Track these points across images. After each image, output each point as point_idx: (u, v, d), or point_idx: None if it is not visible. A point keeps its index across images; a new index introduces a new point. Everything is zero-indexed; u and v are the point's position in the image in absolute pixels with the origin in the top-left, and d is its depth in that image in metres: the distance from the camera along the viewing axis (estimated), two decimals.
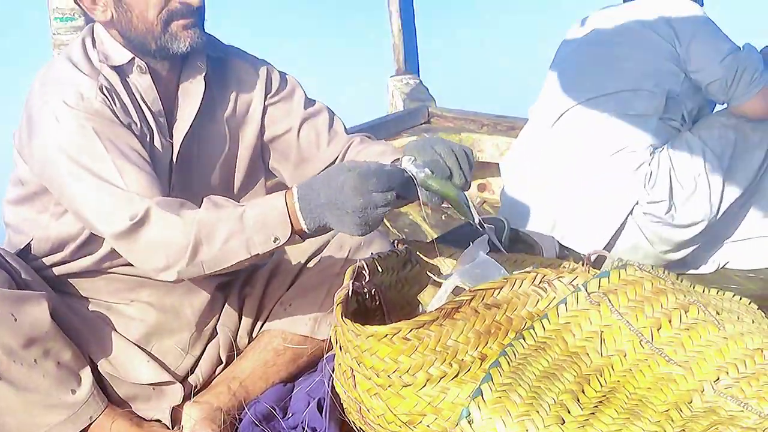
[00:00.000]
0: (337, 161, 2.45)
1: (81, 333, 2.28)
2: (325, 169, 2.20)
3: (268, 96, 2.46)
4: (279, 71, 2.51)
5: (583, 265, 2.14)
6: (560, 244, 3.20)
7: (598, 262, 2.72)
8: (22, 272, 2.21)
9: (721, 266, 3.48)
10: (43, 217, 2.30)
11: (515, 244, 3.09)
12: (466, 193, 2.07)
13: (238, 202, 2.21)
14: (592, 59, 3.44)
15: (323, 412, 2.19)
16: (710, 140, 3.27)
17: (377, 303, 2.15)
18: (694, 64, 3.24)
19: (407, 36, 5.50)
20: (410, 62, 5.55)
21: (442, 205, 2.14)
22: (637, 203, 3.24)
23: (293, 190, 2.00)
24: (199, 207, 2.06)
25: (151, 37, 2.17)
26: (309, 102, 2.50)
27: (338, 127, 2.50)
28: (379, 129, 4.72)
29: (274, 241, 2.01)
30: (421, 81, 5.45)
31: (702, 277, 3.38)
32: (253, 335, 2.49)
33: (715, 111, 3.48)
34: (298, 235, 2.02)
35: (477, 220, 2.06)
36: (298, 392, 2.30)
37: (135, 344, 2.33)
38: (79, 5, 2.21)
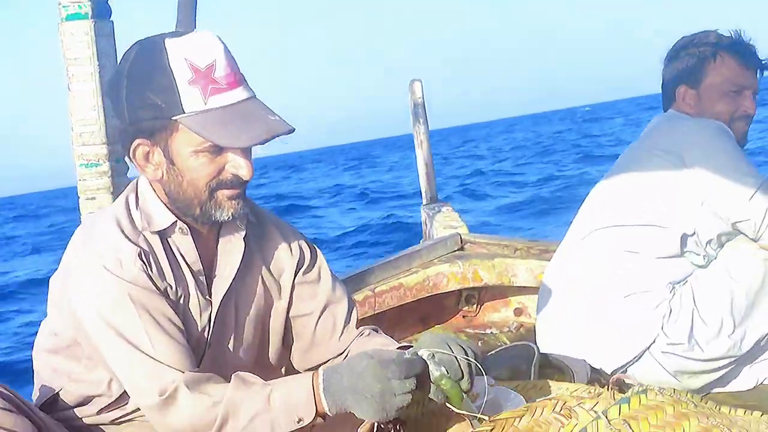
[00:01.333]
0: (346, 353, 2.50)
1: None
2: (333, 359, 2.42)
3: (299, 272, 2.50)
4: (310, 245, 2.56)
5: (608, 389, 2.14)
6: (592, 367, 3.18)
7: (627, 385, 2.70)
8: (49, 425, 2.23)
9: (760, 382, 3.40)
10: (76, 368, 2.32)
11: (545, 369, 3.08)
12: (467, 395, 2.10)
13: (274, 362, 2.37)
14: (616, 186, 3.45)
15: None
16: (738, 274, 3.23)
17: (398, 428, 2.15)
18: (718, 204, 3.22)
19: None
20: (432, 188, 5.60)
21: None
22: (654, 342, 3.22)
23: (320, 373, 2.11)
24: (229, 379, 2.14)
25: (197, 203, 2.22)
26: (333, 285, 2.54)
27: (353, 318, 2.55)
28: (413, 257, 4.75)
29: (298, 422, 2.11)
30: (453, 208, 5.51)
31: (738, 394, 3.31)
32: None
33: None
34: (320, 417, 2.12)
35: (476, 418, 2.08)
36: None
37: None
38: (130, 159, 2.25)
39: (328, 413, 2.09)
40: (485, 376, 2.16)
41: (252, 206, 2.45)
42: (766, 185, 3.18)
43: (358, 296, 4.33)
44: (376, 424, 2.08)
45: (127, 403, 2.32)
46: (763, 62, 3.49)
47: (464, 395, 2.07)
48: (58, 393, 2.34)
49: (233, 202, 2.23)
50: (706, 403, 2.05)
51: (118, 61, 2.26)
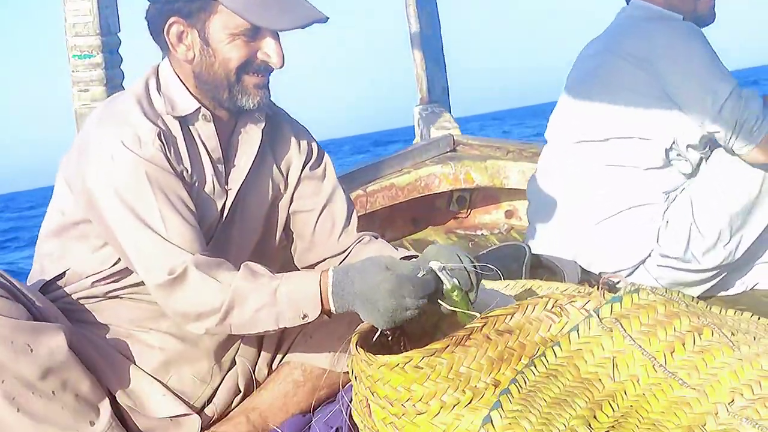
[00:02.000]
0: (347, 252, 2.51)
1: (98, 365, 2.29)
2: (331, 259, 2.46)
3: (305, 167, 2.51)
4: (318, 145, 2.56)
5: (598, 289, 2.14)
6: (582, 268, 3.19)
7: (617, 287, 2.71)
8: (38, 303, 2.24)
9: (749, 288, 3.43)
10: (81, 248, 2.32)
11: (536, 270, 3.09)
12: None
13: (273, 256, 2.40)
14: (588, 96, 3.39)
15: None
16: (734, 184, 3.21)
17: (398, 334, 2.16)
18: (691, 114, 3.19)
19: (431, 65, 5.51)
20: (434, 91, 5.55)
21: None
22: (649, 255, 3.24)
23: (329, 273, 2.12)
24: (239, 267, 2.16)
25: (226, 85, 2.23)
26: (335, 187, 2.55)
27: (353, 221, 2.56)
28: (406, 158, 4.74)
29: (303, 318, 2.13)
30: (447, 109, 5.47)
31: (729, 299, 3.34)
32: (273, 366, 2.50)
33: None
34: (326, 315, 2.14)
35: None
36: (317, 422, 2.31)
37: (152, 376, 2.34)
38: (164, 39, 2.25)
39: (333, 311, 2.11)
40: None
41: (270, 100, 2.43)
42: (735, 94, 3.12)
43: (350, 195, 4.32)
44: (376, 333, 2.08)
45: (123, 278, 2.32)
46: None
47: (473, 308, 2.07)
48: (63, 273, 2.35)
49: (259, 90, 2.25)
50: (697, 303, 2.05)
51: None
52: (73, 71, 3.25)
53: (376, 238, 2.56)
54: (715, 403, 1.78)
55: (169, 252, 2.14)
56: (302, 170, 2.49)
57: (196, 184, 2.28)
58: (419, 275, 2.05)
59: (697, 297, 3.25)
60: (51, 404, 2.14)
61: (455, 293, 2.06)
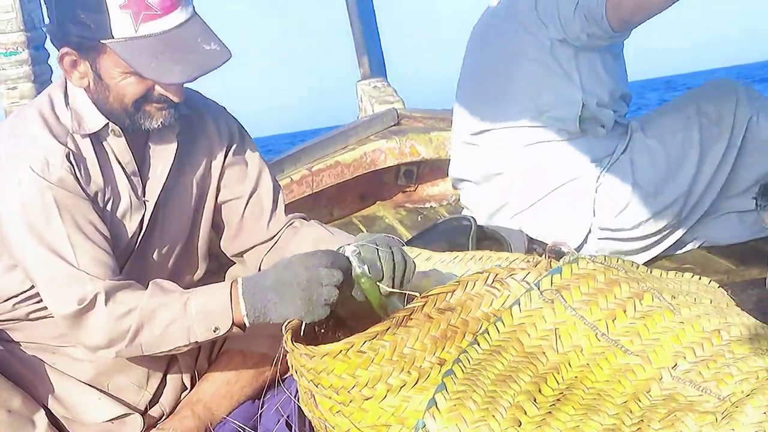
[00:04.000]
0: (276, 239, 2.47)
1: (27, 380, 2.25)
2: (261, 245, 2.44)
3: (228, 154, 2.43)
4: (240, 129, 2.48)
5: (545, 258, 2.14)
6: (530, 237, 3.18)
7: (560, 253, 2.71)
8: None
9: (699, 246, 3.44)
10: None
11: (482, 242, 3.08)
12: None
13: (201, 253, 2.39)
14: (486, 83, 3.38)
15: (292, 430, 2.18)
16: (673, 147, 3.23)
17: (332, 324, 2.13)
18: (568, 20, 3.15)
19: (370, 40, 5.47)
20: (375, 66, 5.51)
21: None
22: (589, 232, 3.24)
23: (238, 280, 2.08)
24: (156, 278, 2.13)
25: (125, 115, 2.16)
26: (260, 170, 2.48)
27: (281, 204, 2.50)
28: (349, 134, 4.70)
29: (215, 331, 2.09)
30: (389, 83, 5.43)
31: (679, 257, 3.35)
32: (212, 358, 2.48)
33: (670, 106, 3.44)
34: (238, 327, 2.09)
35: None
36: (267, 409, 2.29)
37: (85, 383, 2.30)
38: (59, 65, 2.17)
39: (246, 322, 2.06)
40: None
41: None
42: None
43: (295, 176, 4.30)
44: (304, 325, 2.02)
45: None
46: None
47: (383, 298, 2.04)
48: None
49: (163, 112, 2.17)
50: (637, 268, 2.06)
51: None
52: None
53: (305, 220, 2.52)
54: (659, 368, 1.79)
55: (78, 280, 2.09)
56: (225, 157, 2.42)
57: (111, 201, 2.22)
58: (331, 251, 2.04)
59: (647, 260, 3.30)
60: None
61: (363, 280, 2.03)
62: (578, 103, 3.19)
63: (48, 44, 3.31)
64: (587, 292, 1.89)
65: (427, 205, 4.66)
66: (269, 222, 2.46)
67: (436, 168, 4.66)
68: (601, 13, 3.08)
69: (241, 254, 2.48)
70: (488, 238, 3.11)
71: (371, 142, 4.63)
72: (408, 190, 4.76)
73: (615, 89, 3.30)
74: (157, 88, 2.12)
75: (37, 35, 3.14)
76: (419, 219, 4.44)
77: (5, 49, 3.15)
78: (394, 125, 4.88)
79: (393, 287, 2.05)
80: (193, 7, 2.13)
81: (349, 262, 2.04)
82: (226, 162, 2.43)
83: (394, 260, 2.06)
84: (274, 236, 2.46)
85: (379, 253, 2.06)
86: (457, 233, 3.11)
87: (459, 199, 4.58)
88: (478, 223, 3.16)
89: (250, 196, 2.45)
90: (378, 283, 2.04)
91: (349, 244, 2.09)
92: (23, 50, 3.17)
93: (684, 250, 3.39)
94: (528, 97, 3.23)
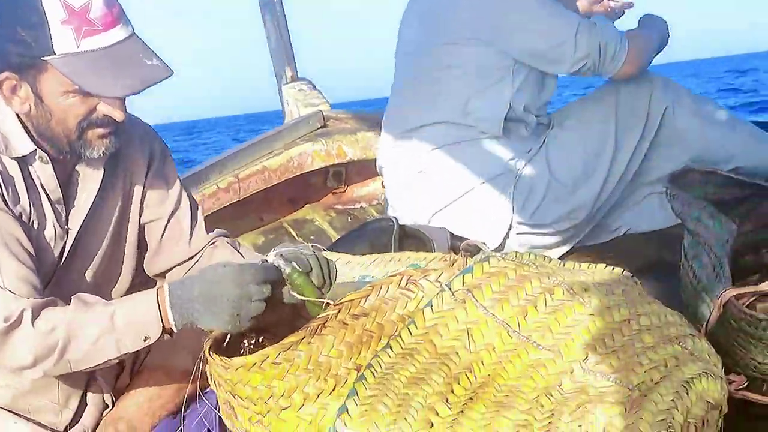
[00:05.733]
0: (197, 258, 2.47)
1: None
2: (182, 263, 2.43)
3: (149, 173, 2.43)
4: (162, 149, 2.48)
5: (462, 256, 2.15)
6: (452, 235, 3.20)
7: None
8: None
9: (618, 235, 3.49)
10: None
11: (405, 241, 3.09)
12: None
13: (124, 275, 2.37)
14: (419, 83, 3.41)
15: None
16: (590, 140, 3.28)
17: (261, 340, 2.12)
18: (549, 59, 3.25)
19: (288, 43, 5.42)
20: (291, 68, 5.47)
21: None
22: (510, 227, 3.28)
23: (165, 287, 2.05)
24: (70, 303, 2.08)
25: (66, 141, 2.14)
26: (180, 191, 2.48)
27: (201, 222, 2.50)
28: (275, 139, 4.69)
29: (144, 340, 2.07)
30: (314, 86, 5.41)
31: (598, 247, 3.39)
32: (133, 374, 2.46)
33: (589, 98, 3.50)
34: (167, 334, 2.07)
35: None
36: (189, 423, 2.29)
37: (2, 408, 2.27)
38: None
39: (175, 328, 2.05)
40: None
41: None
42: (584, 25, 3.20)
43: (222, 183, 4.29)
44: (228, 336, 2.04)
45: None
46: None
47: (319, 291, 2.05)
48: None
49: (104, 140, 2.16)
50: (549, 262, 2.08)
51: None
52: None
53: (227, 237, 2.53)
54: (570, 361, 1.80)
55: (4, 299, 2.05)
56: (146, 177, 2.42)
57: (35, 226, 2.20)
58: (260, 264, 2.04)
59: (566, 251, 3.35)
60: None
61: (294, 276, 2.03)
62: (505, 106, 3.24)
63: None
64: (498, 290, 1.90)
65: (357, 205, 4.67)
66: (190, 241, 2.47)
67: (364, 168, 4.67)
68: (620, 60, 3.24)
69: (162, 274, 2.47)
70: (411, 237, 3.12)
71: (298, 146, 4.63)
72: (337, 191, 4.76)
73: (543, 97, 3.35)
74: (100, 107, 2.11)
75: None
76: (349, 220, 4.45)
77: None
78: (320, 127, 4.87)
79: (323, 280, 2.07)
80: (132, 27, 2.12)
81: (277, 269, 2.04)
82: (147, 183, 2.43)
83: (317, 256, 2.09)
84: (196, 255, 2.47)
85: (301, 250, 2.08)
86: (380, 234, 3.12)
87: (381, 200, 4.62)
88: (400, 223, 3.17)
89: (170, 218, 2.45)
90: (309, 276, 2.05)
91: (270, 253, 2.09)
92: None
93: (603, 239, 3.44)
94: (457, 98, 3.26)
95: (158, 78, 2.09)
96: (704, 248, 2.23)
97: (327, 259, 2.11)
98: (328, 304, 1.98)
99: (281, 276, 2.03)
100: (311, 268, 2.06)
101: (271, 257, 2.07)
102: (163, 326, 2.05)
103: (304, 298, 2.03)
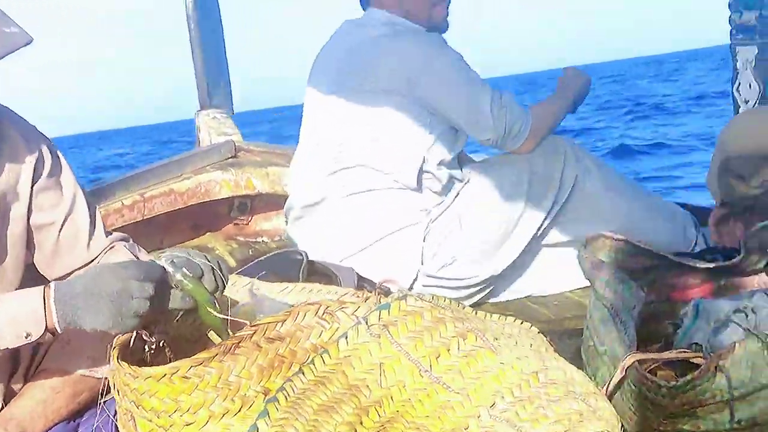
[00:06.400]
0: (97, 261, 2.42)
1: None
2: (80, 268, 2.34)
3: (39, 178, 2.34)
4: (52, 151, 2.39)
5: (375, 294, 2.17)
6: (359, 276, 3.22)
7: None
8: None
9: (521, 296, 3.53)
10: None
11: (312, 276, 3.10)
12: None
13: (11, 274, 2.28)
14: (332, 129, 3.43)
15: None
16: (501, 201, 3.33)
17: (163, 343, 2.10)
18: (462, 121, 3.30)
19: (213, 69, 5.41)
20: (218, 96, 5.46)
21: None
22: (416, 279, 3.32)
23: (51, 284, 2.00)
24: None
25: None
26: (75, 193, 2.41)
27: (99, 226, 2.45)
28: (185, 163, 4.66)
29: (26, 337, 2.00)
30: (228, 115, 5.40)
31: (502, 305, 3.44)
32: (29, 376, 2.39)
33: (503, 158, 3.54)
34: (50, 333, 2.01)
35: (226, 329, 2.03)
36: (84, 430, 2.24)
37: None
38: None
39: (57, 326, 1.99)
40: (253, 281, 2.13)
41: None
42: (496, 98, 3.27)
43: (127, 201, 4.24)
44: (132, 339, 1.99)
45: None
46: None
47: (211, 296, 2.03)
48: None
49: None
50: (463, 308, 2.11)
51: None
52: None
53: (126, 241, 2.48)
54: (478, 406, 1.83)
55: None
56: (34, 181, 2.33)
57: None
58: (143, 262, 2.02)
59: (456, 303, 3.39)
60: None
61: (185, 282, 2.00)
62: (420, 158, 3.28)
63: None
64: (414, 329, 1.92)
65: (259, 239, 4.66)
66: (88, 244, 2.41)
67: (271, 203, 4.67)
68: (523, 137, 3.32)
69: (63, 278, 2.41)
70: (318, 274, 3.13)
71: (207, 173, 4.62)
72: (240, 222, 4.75)
73: (455, 150, 3.40)
74: None
75: None
76: (250, 253, 4.42)
77: None
78: (231, 157, 4.87)
79: (216, 285, 2.04)
80: None
81: (165, 270, 2.01)
82: (37, 185, 2.34)
83: (209, 260, 2.06)
84: (95, 258, 2.41)
85: (191, 255, 2.05)
86: (288, 266, 3.12)
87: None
88: (309, 258, 3.18)
89: (64, 222, 2.38)
90: (201, 281, 2.02)
91: (160, 257, 2.06)
92: None
93: (507, 299, 3.49)
94: (373, 144, 3.29)
95: (17, 45, 2.04)
96: (610, 312, 2.29)
97: (218, 262, 2.08)
98: (243, 324, 1.96)
99: (166, 275, 2.00)
100: (203, 274, 2.03)
101: (162, 260, 2.04)
102: (46, 324, 1.99)
103: (196, 299, 2.01)
